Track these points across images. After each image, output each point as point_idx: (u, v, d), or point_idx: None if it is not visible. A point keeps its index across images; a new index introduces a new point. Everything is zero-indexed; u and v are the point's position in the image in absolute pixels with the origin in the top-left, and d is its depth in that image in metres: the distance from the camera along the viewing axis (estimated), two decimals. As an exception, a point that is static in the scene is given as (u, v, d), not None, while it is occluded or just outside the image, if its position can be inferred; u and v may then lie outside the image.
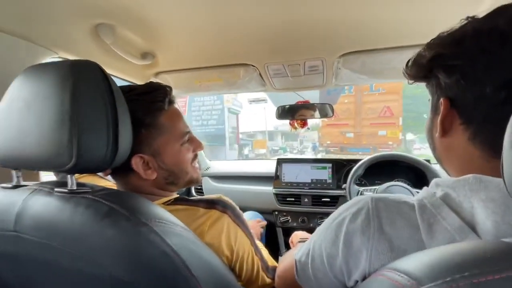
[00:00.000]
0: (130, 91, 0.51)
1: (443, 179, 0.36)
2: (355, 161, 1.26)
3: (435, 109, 0.38)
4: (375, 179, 1.25)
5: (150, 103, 0.52)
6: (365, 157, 1.22)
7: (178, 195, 0.58)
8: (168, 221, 0.41)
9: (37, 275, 0.42)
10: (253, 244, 0.58)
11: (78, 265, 0.37)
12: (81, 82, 0.39)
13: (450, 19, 0.36)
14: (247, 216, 1.24)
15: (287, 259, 0.54)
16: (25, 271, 0.43)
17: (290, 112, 1.44)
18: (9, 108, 0.42)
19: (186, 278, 0.37)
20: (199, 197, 0.57)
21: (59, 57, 0.74)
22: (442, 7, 0.64)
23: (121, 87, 0.47)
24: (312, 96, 1.41)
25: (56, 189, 0.41)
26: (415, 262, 0.25)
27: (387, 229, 0.34)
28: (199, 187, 1.60)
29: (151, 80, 1.05)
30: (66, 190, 0.40)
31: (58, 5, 0.61)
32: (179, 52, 0.90)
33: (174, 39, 0.81)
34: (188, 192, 1.66)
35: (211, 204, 0.54)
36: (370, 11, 0.66)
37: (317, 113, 1.47)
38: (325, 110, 1.45)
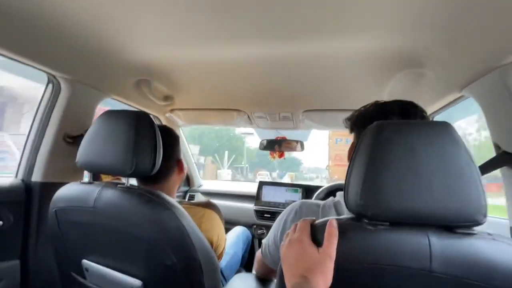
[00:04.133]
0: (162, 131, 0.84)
1: (341, 192, 0.63)
2: (321, 187, 1.58)
3: None
4: None
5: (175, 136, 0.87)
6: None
7: (184, 200, 0.89)
8: (181, 209, 0.70)
9: (102, 237, 0.71)
10: (225, 238, 0.90)
11: (129, 229, 0.66)
12: (140, 126, 0.71)
13: (370, 97, 0.71)
14: (237, 230, 1.47)
15: (259, 251, 0.82)
16: (95, 234, 0.71)
17: (277, 144, 1.80)
18: (95, 137, 0.74)
19: (187, 242, 0.66)
20: (195, 201, 0.87)
21: (112, 99, 1.08)
22: (366, 90, 1.02)
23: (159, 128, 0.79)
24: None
25: (118, 185, 0.71)
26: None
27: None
28: (192, 200, 1.88)
29: (168, 114, 1.40)
30: (124, 186, 0.71)
31: (116, 66, 0.95)
32: (190, 97, 1.25)
33: (187, 89, 1.16)
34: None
35: (206, 205, 0.85)
36: (323, 86, 1.03)
37: (299, 147, 1.85)
38: (302, 145, 1.82)
